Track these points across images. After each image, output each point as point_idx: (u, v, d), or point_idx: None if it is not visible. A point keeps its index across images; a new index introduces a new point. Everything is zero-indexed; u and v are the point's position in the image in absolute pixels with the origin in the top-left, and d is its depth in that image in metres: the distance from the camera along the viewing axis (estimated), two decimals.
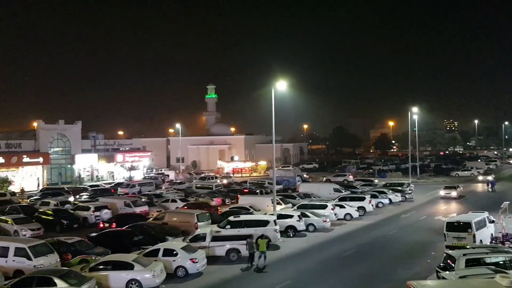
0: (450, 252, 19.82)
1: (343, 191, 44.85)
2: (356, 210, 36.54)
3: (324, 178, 64.65)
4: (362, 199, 38.96)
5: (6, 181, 54.09)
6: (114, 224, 31.20)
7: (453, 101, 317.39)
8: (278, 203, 34.91)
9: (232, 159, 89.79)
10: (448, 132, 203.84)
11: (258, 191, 46.87)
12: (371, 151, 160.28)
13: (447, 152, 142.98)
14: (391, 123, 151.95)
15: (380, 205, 41.47)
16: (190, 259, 21.60)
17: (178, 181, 63.66)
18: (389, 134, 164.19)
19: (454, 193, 46.22)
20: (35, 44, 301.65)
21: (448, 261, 18.97)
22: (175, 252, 21.86)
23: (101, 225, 32.22)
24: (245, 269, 23.20)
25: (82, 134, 70.34)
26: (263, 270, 22.87)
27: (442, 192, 47.06)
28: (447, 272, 18.18)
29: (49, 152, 63.29)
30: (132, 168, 71.89)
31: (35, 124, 65.58)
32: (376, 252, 26.19)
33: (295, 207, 34.75)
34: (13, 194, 48.08)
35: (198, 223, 29.27)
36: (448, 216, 32.42)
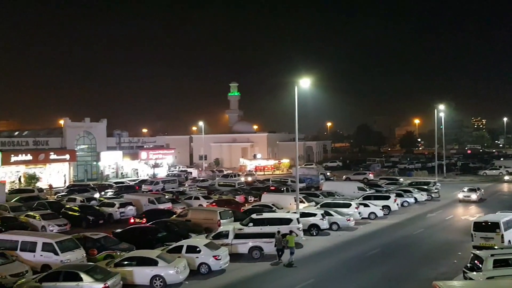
0: (477, 252, 19.44)
1: (368, 189, 44.44)
2: (380, 209, 36.19)
3: (344, 176, 64.02)
4: (387, 198, 38.50)
5: (34, 178, 55.48)
6: (144, 219, 31.84)
7: (481, 98, 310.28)
8: (301, 201, 34.84)
9: (254, 157, 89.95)
10: (476, 130, 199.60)
11: (283, 188, 46.88)
12: (397, 149, 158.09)
13: (481, 149, 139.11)
14: (417, 121, 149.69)
15: (405, 204, 40.94)
16: (213, 256, 21.77)
17: (201, 178, 64.12)
18: (415, 132, 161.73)
19: (474, 196, 43.15)
20: (63, 44, 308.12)
21: (476, 261, 18.61)
22: (198, 249, 22.05)
23: (132, 220, 32.94)
24: (274, 264, 23.47)
25: (107, 132, 71.46)
26: (292, 266, 23.02)
27: (460, 195, 44.04)
28: (474, 272, 17.86)
29: (76, 149, 64.54)
30: (155, 166, 72.77)
31: (61, 122, 66.98)
32: (401, 252, 25.90)
33: (319, 206, 34.61)
34: (40, 190, 49.24)
35: (221, 221, 29.46)
36: (476, 216, 31.81)
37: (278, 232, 24.62)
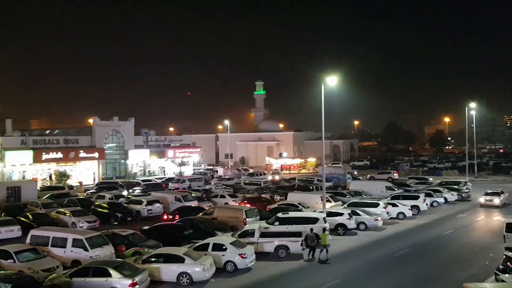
0: (510, 254, 18.97)
1: (396, 189, 43.85)
2: (409, 209, 35.61)
3: (368, 176, 63.20)
4: (416, 197, 37.89)
5: (64, 175, 56.88)
6: (177, 215, 32.48)
7: None
8: (328, 201, 34.65)
9: (280, 155, 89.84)
10: (509, 129, 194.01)
11: (312, 187, 46.74)
12: (426, 148, 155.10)
13: None
14: (447, 119, 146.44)
15: (435, 204, 40.24)
16: (239, 254, 21.85)
17: (227, 177, 64.50)
18: (445, 130, 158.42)
19: (496, 201, 39.74)
20: (92, 45, 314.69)
21: (508, 263, 18.18)
22: (224, 247, 22.17)
23: (165, 217, 33.65)
24: (308, 260, 23.74)
25: (134, 131, 72.64)
26: (326, 262, 23.22)
27: (482, 199, 40.76)
28: (507, 275, 17.45)
29: (104, 147, 65.83)
30: (182, 164, 73.57)
31: (91, 120, 68.44)
32: (431, 253, 25.46)
33: (346, 205, 34.36)
34: (71, 187, 50.44)
35: (247, 219, 29.57)
36: (508, 217, 30.97)
37: (311, 230, 24.90)
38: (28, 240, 23.85)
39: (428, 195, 40.03)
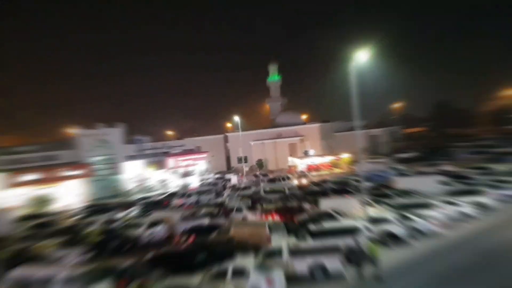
0: None
1: (453, 183, 43.48)
2: (472, 207, 35.35)
3: (415, 169, 62.73)
4: (480, 192, 37.60)
5: (45, 200, 57.64)
6: (192, 236, 32.90)
7: None
8: (370, 205, 34.53)
9: (306, 153, 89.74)
10: None
11: (349, 190, 46.73)
12: (488, 129, 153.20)
13: None
14: None
15: (505, 199, 39.76)
16: (266, 280, 21.87)
17: (242, 185, 64.65)
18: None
19: None
20: (67, 35, 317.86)
21: None
22: (246, 272, 22.23)
23: (178, 239, 34.07)
24: (354, 280, 23.84)
25: (126, 139, 73.22)
26: (381, 279, 23.37)
27: None
28: None
29: (91, 162, 66.49)
30: (186, 174, 73.98)
31: (73, 131, 69.21)
32: (505, 262, 25.16)
33: (392, 208, 34.21)
34: (54, 214, 51.06)
35: (271, 235, 29.55)
36: None
37: (357, 241, 25.03)
38: (6, 284, 24.14)
39: (495, 188, 39.56)
